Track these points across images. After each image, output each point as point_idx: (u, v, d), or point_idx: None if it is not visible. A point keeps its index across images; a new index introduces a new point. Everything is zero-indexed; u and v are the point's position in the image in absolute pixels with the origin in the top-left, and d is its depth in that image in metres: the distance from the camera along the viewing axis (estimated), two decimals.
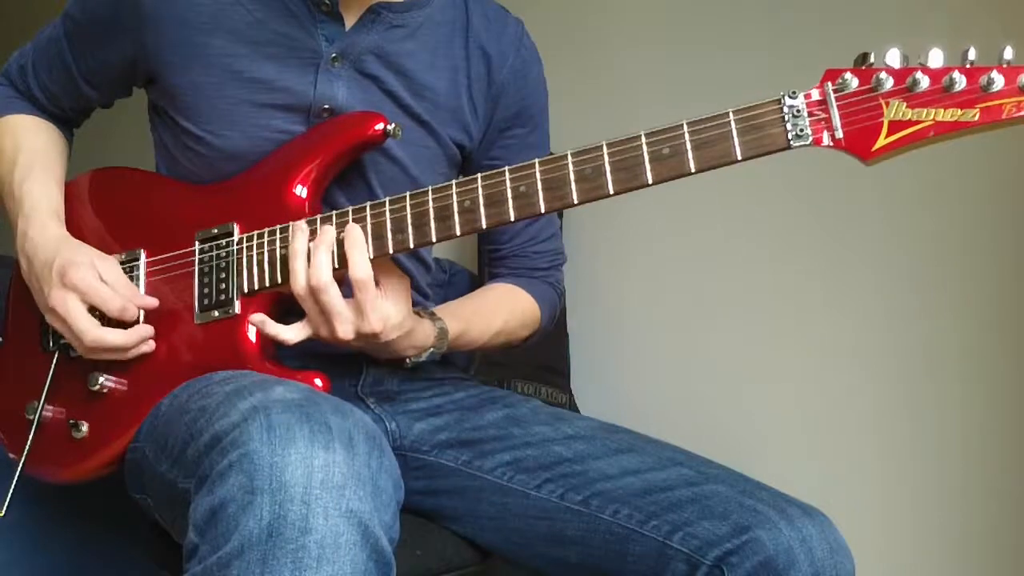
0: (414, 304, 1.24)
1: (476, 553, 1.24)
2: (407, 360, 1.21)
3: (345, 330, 1.10)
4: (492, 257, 1.40)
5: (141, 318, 1.19)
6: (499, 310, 1.33)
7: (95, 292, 1.16)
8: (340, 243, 1.12)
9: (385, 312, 1.11)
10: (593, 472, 1.15)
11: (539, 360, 2.00)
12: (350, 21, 1.22)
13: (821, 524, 1.06)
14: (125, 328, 1.17)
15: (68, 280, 1.15)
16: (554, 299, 1.41)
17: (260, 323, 1.13)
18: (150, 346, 1.18)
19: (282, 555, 0.83)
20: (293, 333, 1.13)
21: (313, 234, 1.12)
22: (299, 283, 1.10)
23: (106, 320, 1.17)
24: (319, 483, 0.86)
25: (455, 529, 1.24)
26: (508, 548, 1.21)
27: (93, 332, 1.15)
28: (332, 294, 1.09)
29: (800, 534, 1.04)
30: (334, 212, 1.14)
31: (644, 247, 2.08)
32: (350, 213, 1.13)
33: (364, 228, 1.12)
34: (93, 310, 1.17)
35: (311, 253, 1.10)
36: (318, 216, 1.15)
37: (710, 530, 1.07)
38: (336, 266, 1.12)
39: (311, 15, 1.21)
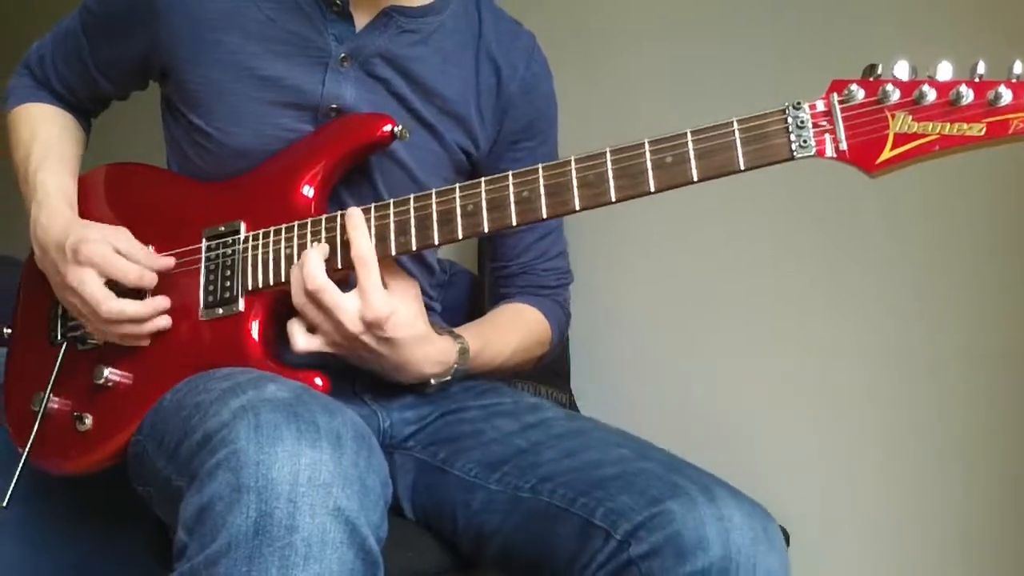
0: None
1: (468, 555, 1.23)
2: (432, 381, 1.19)
3: (351, 320, 1.09)
4: (499, 275, 1.38)
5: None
6: (514, 328, 1.32)
7: (110, 264, 1.16)
8: (344, 244, 1.12)
9: (391, 302, 1.10)
10: (540, 459, 1.12)
11: None
12: (362, 22, 1.22)
13: (751, 510, 0.98)
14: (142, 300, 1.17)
15: (82, 256, 1.16)
16: (562, 317, 1.39)
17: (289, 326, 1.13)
18: (166, 320, 1.18)
19: (269, 553, 0.84)
20: (305, 341, 1.12)
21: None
22: (297, 291, 1.11)
23: (122, 294, 1.17)
24: (306, 481, 0.86)
25: (434, 527, 1.22)
26: (472, 547, 1.18)
27: (109, 303, 1.15)
28: (331, 291, 1.09)
29: (719, 512, 0.96)
30: (339, 213, 1.14)
31: (645, 248, 2.07)
32: None
33: (368, 229, 1.12)
34: (110, 285, 1.17)
35: (303, 262, 1.11)
36: (323, 216, 1.16)
37: (627, 504, 1.00)
38: (339, 266, 1.12)
39: (322, 15, 1.21)
